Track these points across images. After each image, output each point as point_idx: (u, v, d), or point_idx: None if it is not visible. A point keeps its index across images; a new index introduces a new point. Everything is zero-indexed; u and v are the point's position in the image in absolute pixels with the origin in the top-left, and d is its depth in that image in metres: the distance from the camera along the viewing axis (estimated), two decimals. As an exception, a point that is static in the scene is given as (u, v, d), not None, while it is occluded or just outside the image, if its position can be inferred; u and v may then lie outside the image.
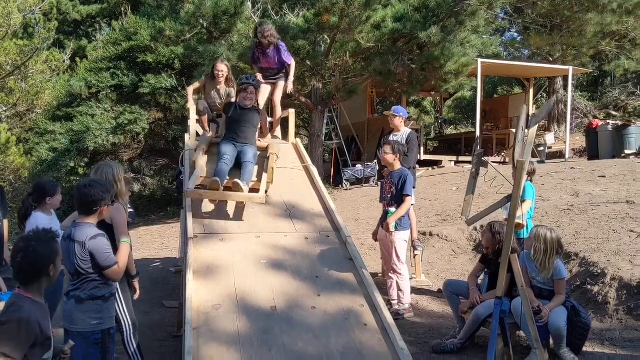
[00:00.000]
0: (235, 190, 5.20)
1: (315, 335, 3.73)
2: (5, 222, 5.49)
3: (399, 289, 6.01)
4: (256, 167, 5.72)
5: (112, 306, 3.50)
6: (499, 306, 3.67)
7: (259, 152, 5.96)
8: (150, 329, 5.90)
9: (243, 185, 5.23)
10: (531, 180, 6.15)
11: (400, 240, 5.99)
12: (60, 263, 2.85)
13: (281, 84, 7.23)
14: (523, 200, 5.54)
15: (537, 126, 3.91)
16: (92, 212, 3.44)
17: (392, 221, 5.90)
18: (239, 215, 5.11)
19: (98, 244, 3.32)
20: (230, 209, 5.23)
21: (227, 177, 5.37)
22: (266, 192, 5.36)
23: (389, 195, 6.12)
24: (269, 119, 7.40)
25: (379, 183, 6.53)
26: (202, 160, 5.81)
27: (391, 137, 7.34)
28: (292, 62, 7.24)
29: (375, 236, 6.84)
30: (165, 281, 8.17)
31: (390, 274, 6.12)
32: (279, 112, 7.24)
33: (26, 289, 2.70)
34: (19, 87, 19.82)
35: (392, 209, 5.97)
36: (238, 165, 5.63)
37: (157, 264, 9.73)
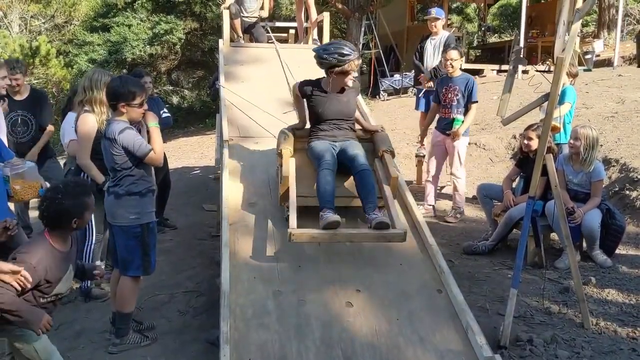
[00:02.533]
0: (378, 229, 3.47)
1: (346, 232, 3.80)
2: (50, 127, 5.63)
3: (456, 191, 6.23)
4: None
5: (150, 201, 3.61)
6: (531, 206, 3.65)
7: None
8: (190, 229, 6.15)
9: (385, 219, 3.51)
10: (573, 84, 5.93)
11: (464, 146, 6.17)
12: (89, 215, 2.89)
13: None
14: (562, 103, 5.38)
15: (580, 21, 3.72)
16: (116, 108, 3.45)
17: (462, 130, 5.98)
18: (273, 118, 5.12)
19: (127, 136, 3.36)
20: (265, 114, 5.23)
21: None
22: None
23: (453, 103, 6.04)
24: (305, 24, 7.26)
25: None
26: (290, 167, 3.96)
27: (428, 43, 7.17)
28: None
29: (422, 139, 7.09)
30: (205, 187, 8.40)
31: (429, 182, 6.42)
32: (314, 13, 7.05)
33: (50, 233, 2.77)
34: (55, -2, 19.85)
35: (460, 117, 5.98)
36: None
37: (197, 171, 9.97)
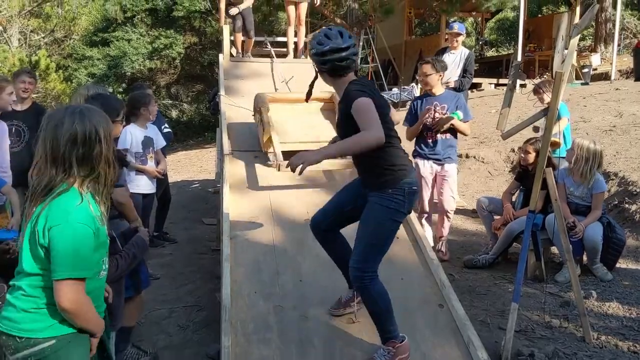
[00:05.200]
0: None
1: (347, 246, 3.81)
2: None
3: (442, 226, 5.45)
4: None
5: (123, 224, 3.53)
6: (531, 219, 3.66)
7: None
8: (190, 243, 6.14)
9: None
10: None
11: (454, 175, 5.41)
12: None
13: (304, 5, 7.12)
14: (559, 118, 5.40)
15: (578, 36, 3.75)
16: None
17: (452, 122, 5.14)
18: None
19: None
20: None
21: None
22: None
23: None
24: (294, 39, 7.30)
25: (413, 104, 5.45)
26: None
27: (446, 56, 6.44)
28: None
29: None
30: (205, 200, 8.40)
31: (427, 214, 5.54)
32: (303, 31, 7.16)
33: None
34: (55, 13, 19.95)
35: (460, 114, 5.18)
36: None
37: (196, 185, 9.98)
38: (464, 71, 6.38)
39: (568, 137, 5.88)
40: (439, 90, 5.30)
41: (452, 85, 6.24)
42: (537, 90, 5.77)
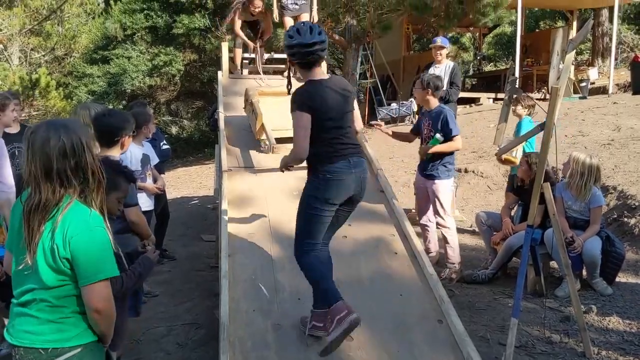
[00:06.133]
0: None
1: (346, 263, 3.81)
2: None
3: (447, 243, 5.28)
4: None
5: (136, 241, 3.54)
6: (530, 234, 3.66)
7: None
8: (189, 260, 6.13)
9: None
10: (530, 115, 6.14)
11: (447, 188, 5.24)
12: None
13: (305, 15, 6.81)
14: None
15: (573, 52, 3.78)
16: (114, 143, 3.36)
17: (431, 150, 5.12)
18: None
19: None
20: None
21: None
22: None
23: (430, 139, 5.24)
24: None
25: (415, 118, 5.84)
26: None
27: (432, 70, 6.71)
28: None
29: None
30: (203, 217, 8.40)
31: (425, 224, 5.54)
32: None
33: None
34: (56, 31, 20.06)
35: (440, 137, 5.10)
36: None
37: (195, 201, 9.98)
38: (450, 84, 6.50)
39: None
40: (431, 105, 5.24)
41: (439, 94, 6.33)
42: (517, 101, 5.95)
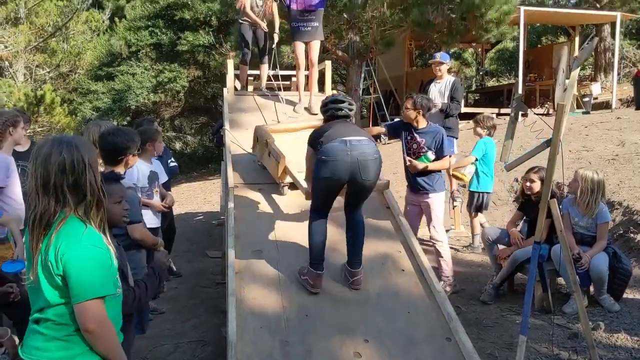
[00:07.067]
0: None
1: (353, 279, 3.81)
2: None
3: (440, 257, 5.21)
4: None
5: (142, 257, 3.57)
6: (537, 250, 3.65)
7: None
8: (195, 277, 6.13)
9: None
10: (491, 135, 6.46)
11: (440, 202, 5.23)
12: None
13: (317, 43, 6.50)
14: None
15: (578, 69, 3.80)
16: (118, 162, 3.42)
17: (422, 165, 5.10)
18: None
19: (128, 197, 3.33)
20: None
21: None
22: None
23: (419, 155, 5.20)
24: (305, 72, 7.14)
25: (397, 124, 5.56)
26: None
27: (433, 86, 6.89)
28: None
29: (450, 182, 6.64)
30: (208, 233, 8.40)
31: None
32: (315, 73, 6.66)
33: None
34: (61, 48, 20.22)
35: (431, 156, 5.12)
36: None
37: (200, 217, 9.99)
38: (451, 98, 6.57)
39: (484, 173, 6.51)
40: (421, 125, 5.19)
41: (439, 107, 6.56)
42: (476, 122, 6.44)
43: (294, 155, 4.73)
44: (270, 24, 7.05)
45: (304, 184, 4.35)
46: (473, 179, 6.50)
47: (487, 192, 6.62)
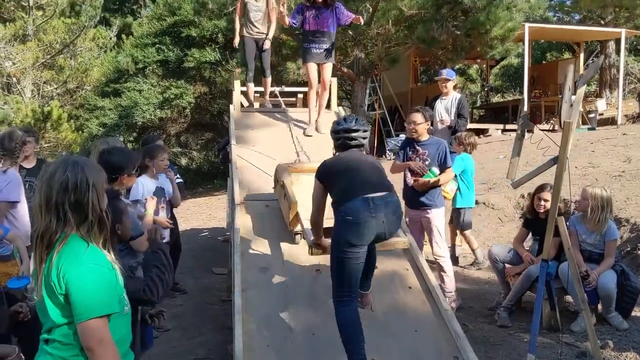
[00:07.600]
0: None
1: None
2: None
3: (443, 272, 5.15)
4: None
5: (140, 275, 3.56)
6: (545, 268, 3.64)
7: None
8: (200, 293, 6.11)
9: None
10: (470, 152, 6.53)
11: (440, 217, 5.19)
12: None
13: (329, 66, 6.36)
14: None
15: (584, 87, 3.81)
16: (112, 180, 3.37)
17: (433, 180, 5.03)
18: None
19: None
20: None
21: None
22: None
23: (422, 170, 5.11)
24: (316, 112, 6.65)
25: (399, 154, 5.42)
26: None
27: (439, 102, 6.85)
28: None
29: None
30: (214, 249, 8.39)
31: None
32: (326, 95, 6.51)
33: None
34: (68, 65, 20.38)
35: (436, 170, 5.06)
36: None
37: (205, 233, 9.99)
38: (458, 115, 6.60)
39: (465, 189, 6.53)
40: (425, 136, 5.19)
41: (447, 123, 6.65)
42: (457, 139, 6.47)
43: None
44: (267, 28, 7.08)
45: (310, 235, 3.88)
46: (457, 196, 6.47)
47: (470, 207, 6.76)
